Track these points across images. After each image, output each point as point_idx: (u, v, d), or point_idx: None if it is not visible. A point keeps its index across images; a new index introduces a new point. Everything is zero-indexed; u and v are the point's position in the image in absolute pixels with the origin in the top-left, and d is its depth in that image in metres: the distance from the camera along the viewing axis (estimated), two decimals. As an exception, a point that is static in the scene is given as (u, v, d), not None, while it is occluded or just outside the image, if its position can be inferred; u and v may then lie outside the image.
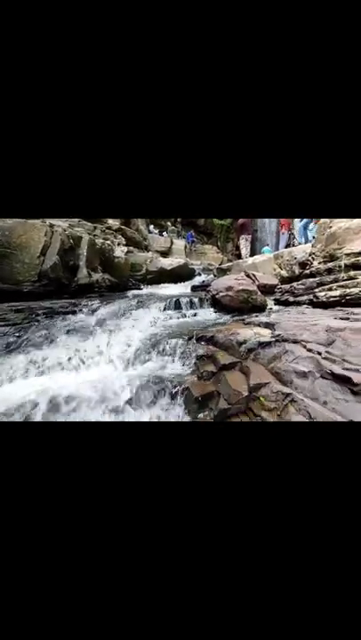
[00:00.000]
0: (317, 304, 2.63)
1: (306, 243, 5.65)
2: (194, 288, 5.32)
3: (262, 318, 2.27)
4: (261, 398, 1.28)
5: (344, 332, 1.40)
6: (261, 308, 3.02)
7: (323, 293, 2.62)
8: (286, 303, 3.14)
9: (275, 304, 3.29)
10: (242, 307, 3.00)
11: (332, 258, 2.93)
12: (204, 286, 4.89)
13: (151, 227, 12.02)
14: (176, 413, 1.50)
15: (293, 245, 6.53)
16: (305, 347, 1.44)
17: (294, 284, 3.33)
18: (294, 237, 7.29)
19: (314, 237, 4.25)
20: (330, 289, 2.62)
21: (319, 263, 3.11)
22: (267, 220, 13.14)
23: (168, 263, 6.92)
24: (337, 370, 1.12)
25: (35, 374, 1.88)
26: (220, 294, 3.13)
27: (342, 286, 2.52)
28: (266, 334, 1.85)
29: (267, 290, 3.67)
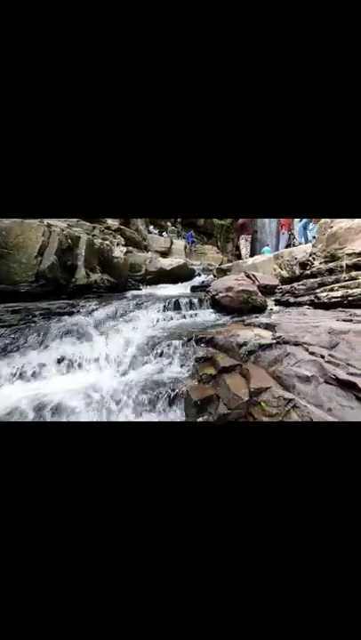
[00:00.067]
0: (319, 305, 2.58)
1: (306, 243, 5.61)
2: (193, 288, 5.29)
3: (263, 319, 2.23)
4: (262, 403, 1.24)
5: (348, 334, 1.35)
6: (262, 309, 2.98)
7: (324, 294, 2.57)
8: (287, 304, 3.10)
9: (275, 305, 3.25)
10: (242, 307, 2.96)
11: (333, 258, 2.89)
12: (203, 287, 4.85)
13: (151, 227, 11.98)
14: (174, 418, 1.46)
15: (294, 245, 6.49)
16: (307, 349, 1.40)
17: (295, 284, 3.29)
18: (294, 237, 7.26)
19: (314, 237, 4.22)
20: (331, 289, 2.58)
21: (320, 263, 3.07)
22: (267, 221, 13.10)
23: (168, 263, 6.88)
24: (341, 375, 1.07)
25: (27, 379, 1.83)
26: (220, 295, 3.08)
27: (344, 287, 2.48)
28: (266, 336, 1.80)
29: (267, 290, 3.63)
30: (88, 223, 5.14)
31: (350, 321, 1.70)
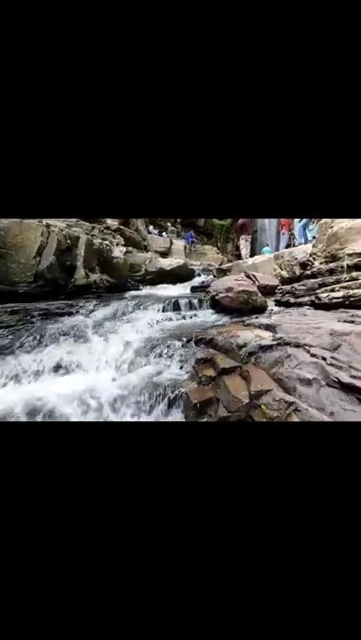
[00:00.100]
0: (319, 305, 2.56)
1: (305, 243, 5.59)
2: (193, 289, 5.27)
3: (263, 320, 2.20)
4: (263, 406, 1.21)
5: (350, 336, 1.33)
6: (262, 310, 2.95)
7: (325, 294, 2.55)
8: (287, 304, 3.08)
9: (275, 305, 3.22)
10: (242, 308, 2.94)
11: (334, 258, 2.86)
12: (203, 287, 4.83)
13: (151, 227, 11.95)
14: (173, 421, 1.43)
15: (294, 246, 6.46)
16: (308, 351, 1.38)
17: (295, 284, 3.26)
18: (294, 238, 7.23)
19: (314, 237, 4.19)
20: (332, 290, 2.55)
21: (321, 264, 3.05)
22: (267, 221, 13.06)
23: (167, 264, 6.86)
24: (344, 378, 1.05)
25: (22, 381, 1.80)
26: (220, 295, 3.06)
27: (345, 287, 2.45)
28: (267, 337, 1.78)
29: (267, 291, 3.60)
30: (87, 223, 5.12)
31: (352, 322, 1.68)
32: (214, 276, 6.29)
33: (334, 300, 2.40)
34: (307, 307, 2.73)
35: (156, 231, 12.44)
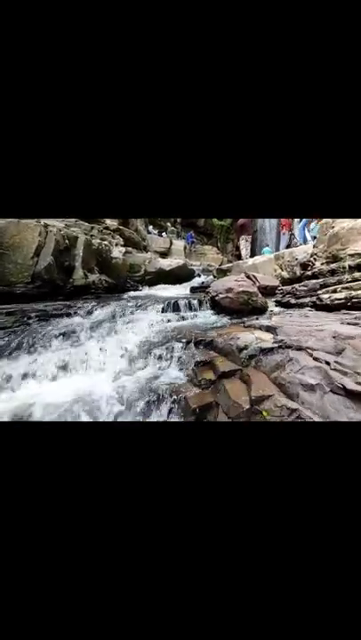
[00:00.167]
0: (321, 307, 2.52)
1: (305, 243, 5.56)
2: (193, 289, 5.23)
3: (263, 321, 2.16)
4: (264, 412, 1.17)
5: (354, 339, 1.28)
6: (262, 311, 2.91)
7: (326, 295, 2.51)
8: (288, 305, 3.04)
9: (276, 306, 3.18)
10: (242, 309, 2.89)
11: (335, 259, 2.82)
12: (203, 287, 4.79)
13: (150, 227, 11.90)
14: (172, 427, 1.39)
15: (294, 246, 6.42)
16: (311, 355, 1.33)
17: (296, 285, 3.22)
18: (295, 238, 7.20)
19: (314, 237, 4.15)
20: (334, 291, 2.51)
21: (322, 264, 3.01)
22: (267, 221, 13.02)
23: (167, 264, 6.82)
24: (349, 384, 1.01)
25: (15, 386, 1.76)
26: (220, 296, 3.02)
27: (347, 288, 2.41)
28: (267, 339, 1.73)
29: (267, 291, 3.56)
30: (86, 223, 5.07)
31: (356, 324, 1.64)
32: (214, 277, 6.25)
33: (336, 302, 2.36)
34: (308, 308, 2.69)
35: (156, 231, 12.39)
